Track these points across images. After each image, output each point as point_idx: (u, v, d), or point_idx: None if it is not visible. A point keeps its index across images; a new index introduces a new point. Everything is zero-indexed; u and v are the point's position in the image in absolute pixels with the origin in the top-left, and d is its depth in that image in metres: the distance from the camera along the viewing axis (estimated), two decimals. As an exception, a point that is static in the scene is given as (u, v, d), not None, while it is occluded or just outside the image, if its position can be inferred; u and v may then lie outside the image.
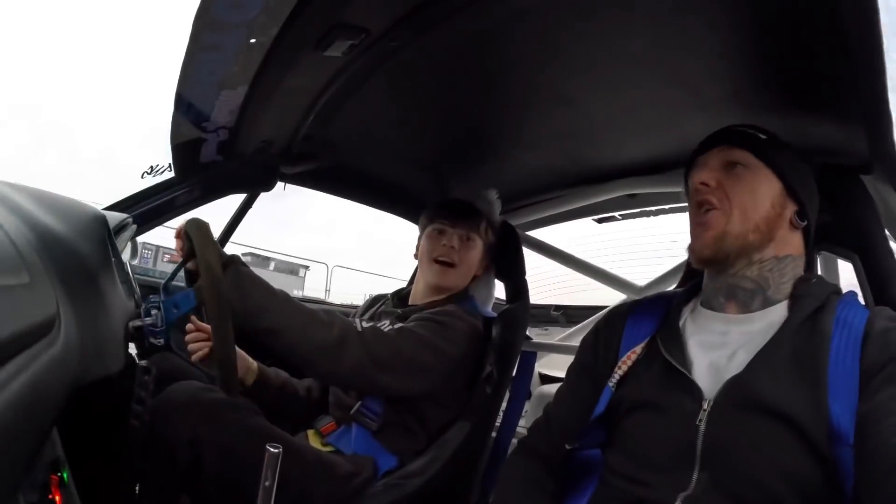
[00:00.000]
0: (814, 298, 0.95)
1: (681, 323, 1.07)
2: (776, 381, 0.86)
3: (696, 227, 1.03)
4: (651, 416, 0.97)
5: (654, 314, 1.12)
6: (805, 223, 1.03)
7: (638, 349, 1.07)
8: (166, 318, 1.26)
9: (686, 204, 1.42)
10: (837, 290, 1.00)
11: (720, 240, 0.99)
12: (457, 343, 1.51)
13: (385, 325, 1.48)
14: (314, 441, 1.51)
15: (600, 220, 2.19)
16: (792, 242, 1.03)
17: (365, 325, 1.38)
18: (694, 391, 0.93)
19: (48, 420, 0.53)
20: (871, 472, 0.74)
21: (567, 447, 1.05)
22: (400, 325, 1.46)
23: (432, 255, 1.70)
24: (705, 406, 0.90)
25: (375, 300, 1.89)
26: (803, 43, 1.06)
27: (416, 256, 1.81)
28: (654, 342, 1.06)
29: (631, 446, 0.99)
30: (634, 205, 1.98)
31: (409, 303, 1.75)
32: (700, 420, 0.89)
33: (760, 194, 1.00)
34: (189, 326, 1.35)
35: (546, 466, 1.12)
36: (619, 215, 2.11)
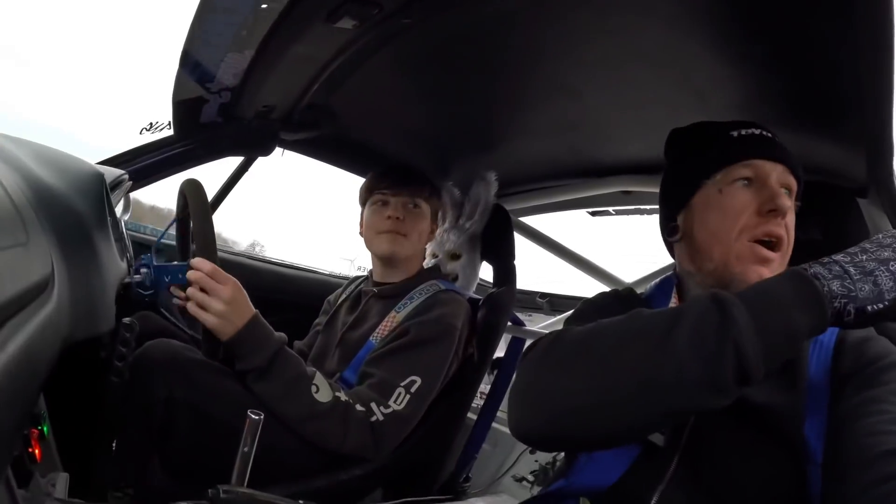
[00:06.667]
0: None
1: None
2: (766, 390, 0.83)
3: (755, 259, 0.92)
4: None
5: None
6: None
7: None
8: (157, 285, 1.27)
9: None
10: None
11: None
12: (455, 342, 1.52)
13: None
14: None
15: (594, 213, 2.20)
16: None
17: (384, 410, 1.35)
18: None
19: (40, 381, 0.53)
20: (839, 471, 0.72)
21: None
22: (410, 378, 1.41)
23: (378, 229, 1.65)
24: None
25: (355, 280, 1.90)
26: (813, 60, 1.07)
27: (361, 233, 1.74)
28: None
29: None
30: (629, 202, 1.99)
31: (377, 279, 1.73)
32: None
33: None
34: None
35: None
36: (614, 210, 2.12)
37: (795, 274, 0.70)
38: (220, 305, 1.20)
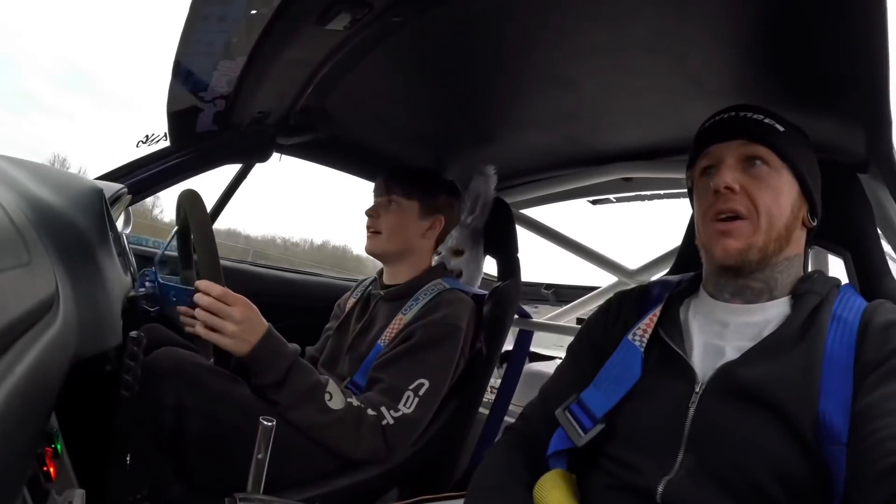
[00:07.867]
0: (816, 295, 0.95)
1: (682, 308, 1.08)
2: (769, 372, 0.86)
3: (717, 234, 0.98)
4: (645, 398, 0.97)
5: (659, 299, 1.13)
6: (814, 222, 1.03)
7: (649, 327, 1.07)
8: (163, 301, 1.27)
9: (681, 190, 1.40)
10: (838, 283, 1.01)
11: (746, 251, 0.96)
12: (460, 341, 1.52)
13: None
14: None
15: (595, 202, 2.19)
16: (800, 241, 1.02)
17: (394, 414, 1.36)
18: (688, 374, 0.94)
19: (51, 399, 0.53)
20: (864, 473, 0.73)
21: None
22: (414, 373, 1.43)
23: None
24: (697, 389, 0.91)
25: (363, 282, 1.90)
26: (807, 37, 1.06)
27: None
28: (656, 327, 1.06)
29: (621, 426, 0.98)
30: (629, 189, 1.99)
31: (384, 281, 1.74)
32: (692, 403, 0.90)
33: (783, 200, 0.97)
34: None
35: (528, 458, 1.08)
36: (614, 198, 2.11)
37: None
38: (232, 327, 1.20)
